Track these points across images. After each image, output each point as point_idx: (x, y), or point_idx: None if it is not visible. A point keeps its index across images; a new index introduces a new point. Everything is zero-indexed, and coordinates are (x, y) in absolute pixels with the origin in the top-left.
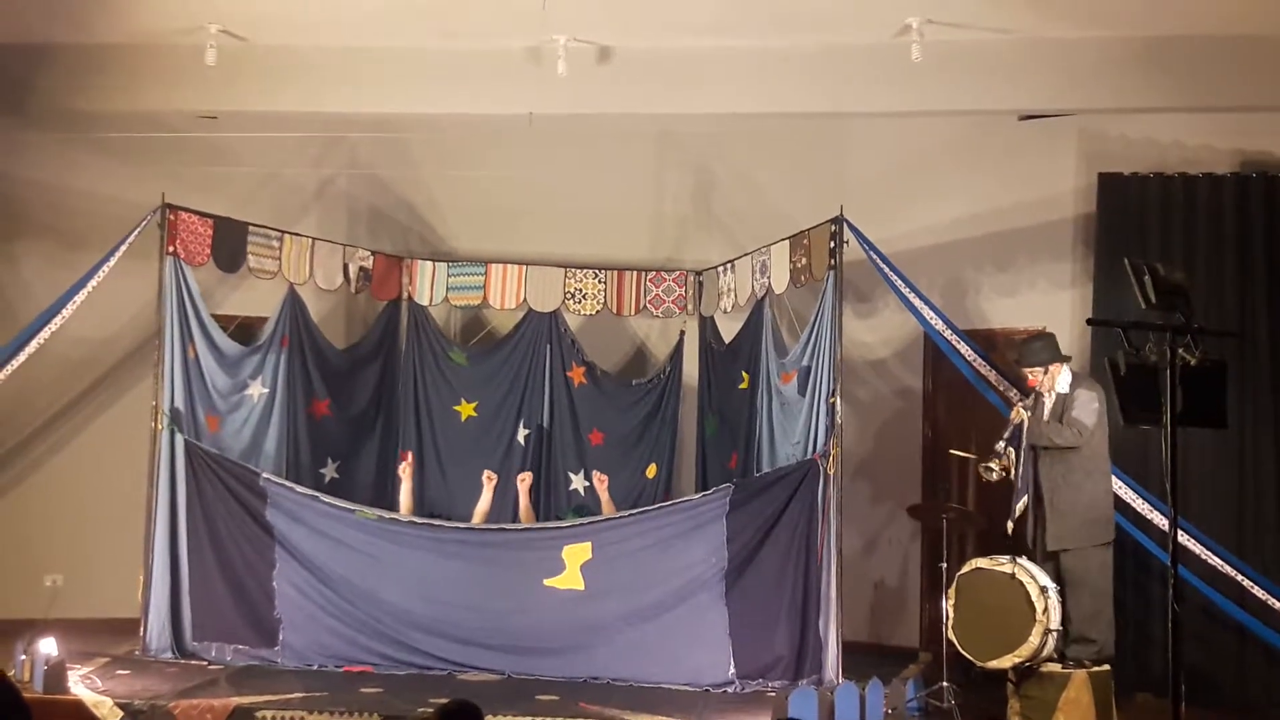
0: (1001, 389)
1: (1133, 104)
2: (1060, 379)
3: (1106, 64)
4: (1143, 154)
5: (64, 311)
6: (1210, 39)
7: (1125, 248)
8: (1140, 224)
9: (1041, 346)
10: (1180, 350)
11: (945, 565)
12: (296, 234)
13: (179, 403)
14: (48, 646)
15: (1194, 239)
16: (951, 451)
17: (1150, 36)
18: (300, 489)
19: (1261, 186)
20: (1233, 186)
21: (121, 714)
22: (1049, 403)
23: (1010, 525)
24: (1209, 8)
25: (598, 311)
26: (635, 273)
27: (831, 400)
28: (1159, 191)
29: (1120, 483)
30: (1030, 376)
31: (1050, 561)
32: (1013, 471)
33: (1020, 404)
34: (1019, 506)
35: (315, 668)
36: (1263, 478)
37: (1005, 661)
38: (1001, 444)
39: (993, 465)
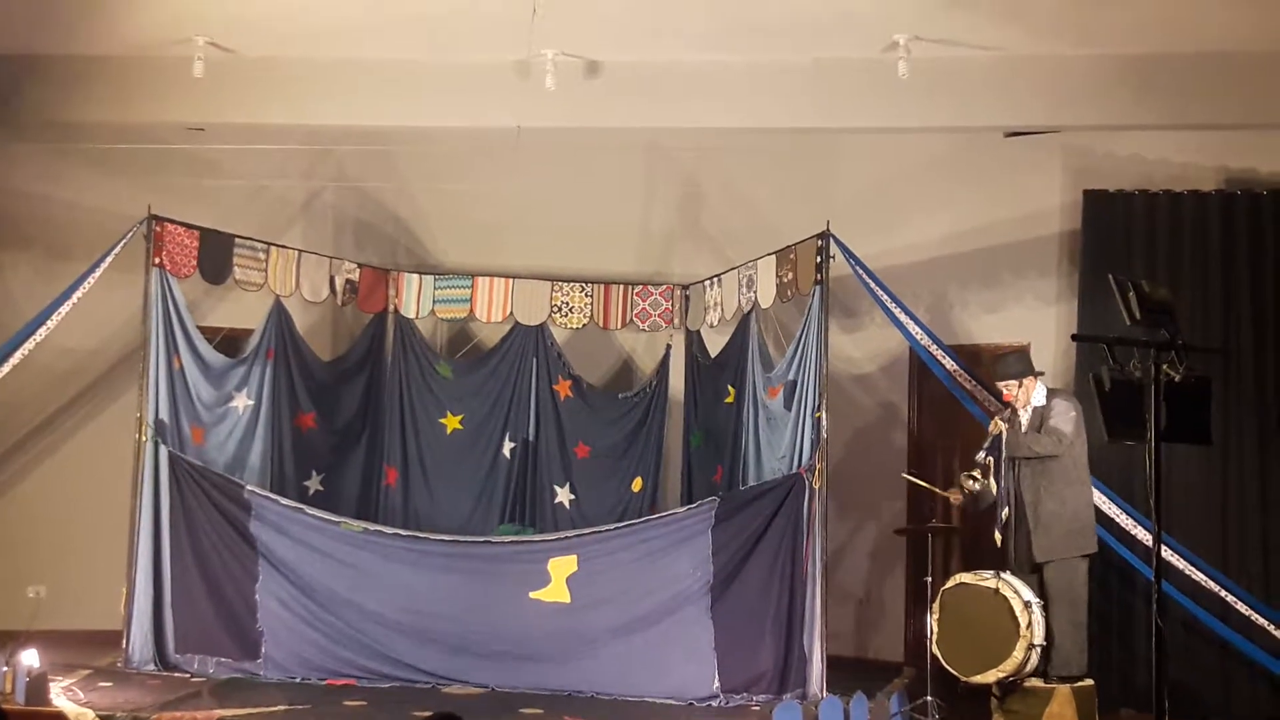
0: (986, 404)
1: (1118, 121)
2: (1035, 393)
3: (1092, 81)
4: (1128, 171)
5: (49, 323)
6: (1196, 57)
7: (1110, 264)
8: (1125, 240)
9: (1015, 359)
10: (1165, 366)
11: (930, 580)
12: (283, 246)
13: (164, 414)
14: (30, 658)
15: (1179, 256)
16: (905, 476)
17: (1136, 54)
18: (285, 501)
19: (1246, 204)
20: (1217, 204)
21: None
22: (1025, 417)
23: (998, 536)
24: (1195, 26)
25: (584, 325)
26: (622, 286)
27: (817, 415)
28: (1144, 208)
29: (1104, 497)
30: (1005, 391)
31: (1034, 575)
32: (993, 482)
33: (998, 416)
34: (1004, 515)
35: (298, 680)
36: (1246, 493)
37: (989, 676)
38: (981, 454)
39: (975, 475)
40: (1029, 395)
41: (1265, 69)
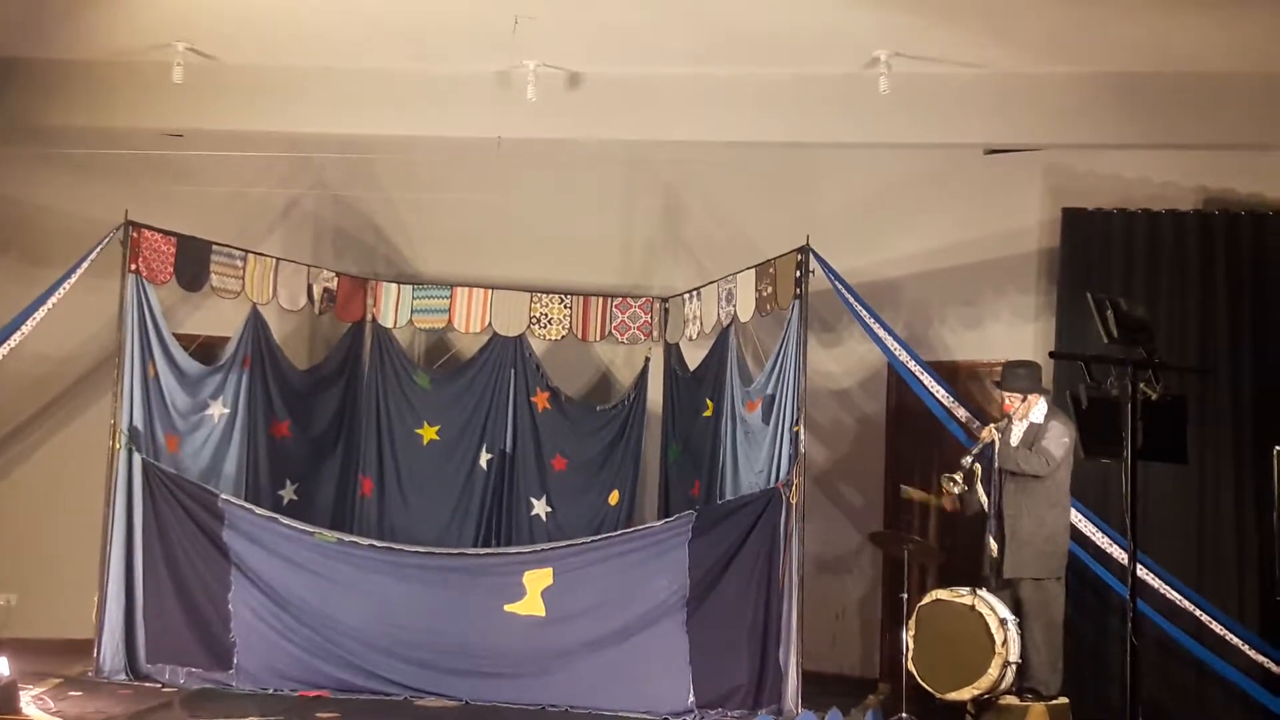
0: (963, 420)
1: (1098, 140)
2: (1036, 409)
3: (1073, 100)
4: (1107, 189)
5: (24, 328)
6: (1176, 77)
7: (1089, 282)
8: (1104, 259)
9: (1025, 374)
10: (1142, 385)
11: (906, 596)
12: (261, 254)
13: (138, 422)
14: None
15: (1157, 275)
16: (904, 488)
17: (1117, 73)
18: (259, 511)
19: (1224, 224)
20: (1196, 223)
21: None
22: (1019, 430)
23: (994, 545)
24: (1175, 46)
25: (563, 336)
26: (601, 298)
27: (795, 429)
28: (1123, 227)
29: (1080, 516)
30: (1007, 401)
31: (1007, 590)
32: (981, 491)
33: (992, 424)
34: (992, 526)
35: (270, 691)
36: (1222, 512)
37: (964, 693)
38: (968, 459)
39: (956, 477)
40: (1029, 410)
41: (1246, 90)
